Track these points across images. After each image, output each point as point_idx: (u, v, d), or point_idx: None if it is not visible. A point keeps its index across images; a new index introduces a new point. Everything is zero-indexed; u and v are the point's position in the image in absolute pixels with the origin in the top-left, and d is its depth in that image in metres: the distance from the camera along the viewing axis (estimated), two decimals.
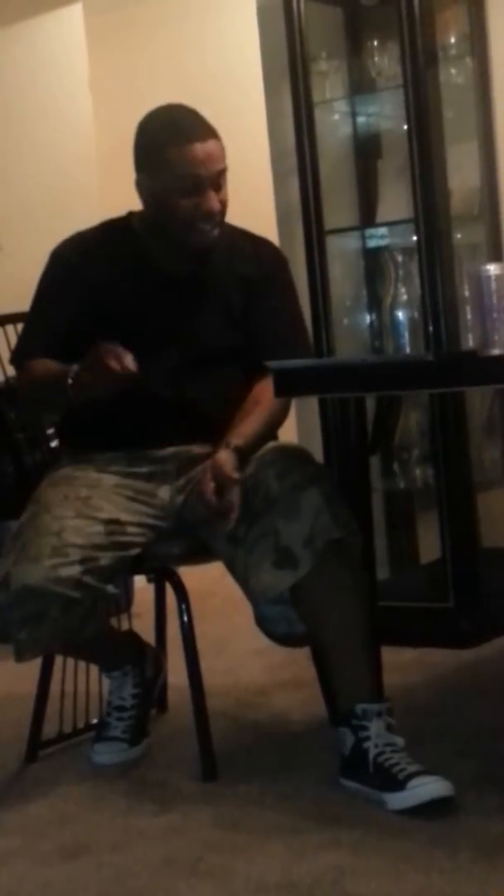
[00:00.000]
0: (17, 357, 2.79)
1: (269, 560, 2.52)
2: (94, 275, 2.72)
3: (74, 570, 2.49)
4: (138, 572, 2.86)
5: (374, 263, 3.80)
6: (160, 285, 2.75)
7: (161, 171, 2.63)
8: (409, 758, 2.44)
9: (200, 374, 2.73)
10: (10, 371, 2.99)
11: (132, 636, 2.99)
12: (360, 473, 2.75)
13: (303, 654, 3.00)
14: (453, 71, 3.61)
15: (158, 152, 2.63)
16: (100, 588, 2.53)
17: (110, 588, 2.56)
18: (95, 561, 2.53)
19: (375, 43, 3.62)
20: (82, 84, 5.25)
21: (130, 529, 2.63)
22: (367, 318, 3.83)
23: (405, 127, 3.49)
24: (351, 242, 3.83)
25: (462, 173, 3.61)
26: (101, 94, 5.36)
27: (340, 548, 2.52)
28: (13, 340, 2.97)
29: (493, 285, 2.29)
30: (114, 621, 2.90)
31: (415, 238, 3.51)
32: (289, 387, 2.54)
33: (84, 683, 3.03)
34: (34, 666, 2.84)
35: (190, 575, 2.78)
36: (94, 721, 2.98)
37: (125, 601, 3.09)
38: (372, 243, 3.83)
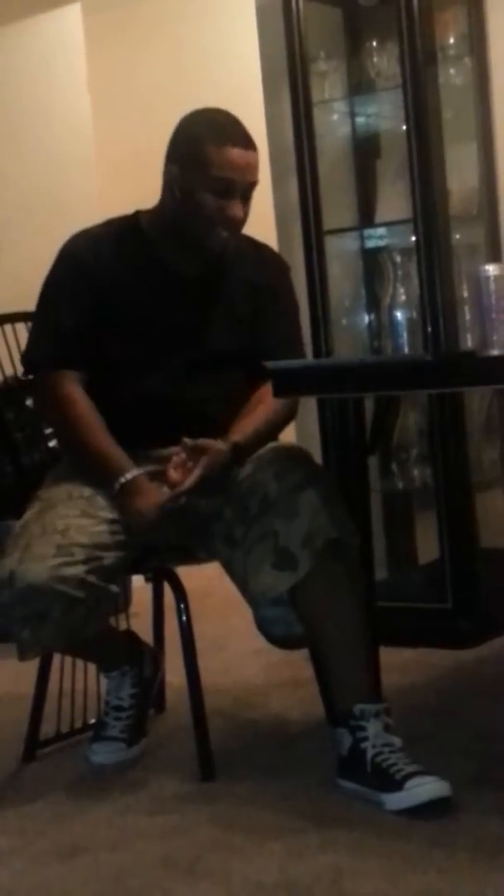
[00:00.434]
0: (34, 363, 2.76)
1: (269, 561, 2.52)
2: (105, 274, 2.71)
3: (78, 570, 2.49)
4: (136, 572, 2.86)
5: (372, 264, 3.79)
6: (168, 287, 2.74)
7: (196, 165, 2.62)
8: (407, 758, 2.44)
9: (205, 376, 2.73)
10: (10, 371, 2.99)
11: (130, 636, 2.99)
12: (358, 474, 2.75)
13: (301, 655, 3.00)
14: (452, 71, 3.61)
15: (198, 147, 2.62)
16: (103, 587, 2.53)
17: (113, 587, 2.57)
18: (100, 560, 2.53)
19: (374, 43, 3.62)
20: (81, 84, 5.26)
21: (125, 528, 2.63)
22: (366, 319, 3.83)
23: (404, 127, 3.49)
24: (350, 243, 3.83)
25: (461, 174, 3.61)
26: (99, 93, 5.36)
27: (338, 548, 2.52)
28: (11, 340, 2.97)
29: (492, 286, 2.29)
30: (112, 621, 2.90)
31: (413, 238, 3.50)
32: (287, 387, 2.54)
33: (82, 683, 3.03)
34: (32, 665, 2.84)
35: (188, 575, 2.78)
36: (92, 721, 2.98)
37: (123, 601, 3.09)
38: (371, 243, 3.83)
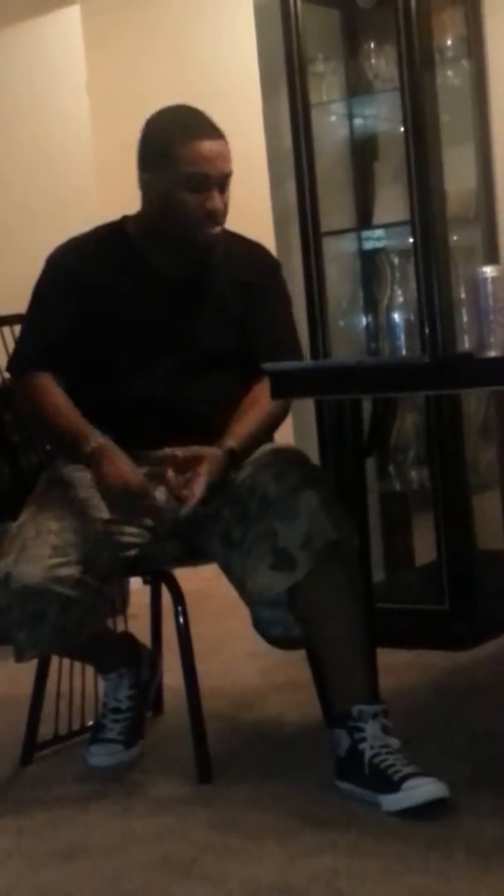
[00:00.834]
0: (17, 364, 2.78)
1: (267, 562, 2.52)
2: (93, 280, 2.72)
3: (74, 570, 2.49)
4: (134, 574, 2.86)
5: (370, 265, 3.80)
6: (157, 289, 2.75)
7: (168, 167, 2.63)
8: (405, 759, 2.44)
9: (197, 377, 2.73)
10: (6, 374, 2.99)
11: (128, 638, 2.99)
12: (356, 475, 2.75)
13: (298, 657, 3.00)
14: (450, 73, 3.62)
15: (167, 148, 2.63)
16: (99, 588, 2.53)
17: (109, 588, 2.57)
18: (95, 561, 2.53)
19: (372, 45, 3.62)
20: (80, 86, 5.25)
21: (128, 530, 2.63)
22: (364, 320, 3.83)
23: (402, 129, 3.49)
24: (347, 244, 3.83)
25: (458, 176, 3.61)
26: (98, 96, 5.36)
27: (337, 549, 2.51)
28: (10, 342, 2.97)
29: (490, 287, 2.30)
30: (110, 623, 2.90)
31: (411, 240, 3.51)
32: (285, 388, 2.54)
33: (80, 685, 3.02)
34: (30, 668, 2.84)
35: (186, 577, 2.78)
36: (90, 723, 2.98)
37: (121, 603, 3.09)
38: (368, 245, 3.84)
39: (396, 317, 3.61)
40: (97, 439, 2.60)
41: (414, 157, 3.44)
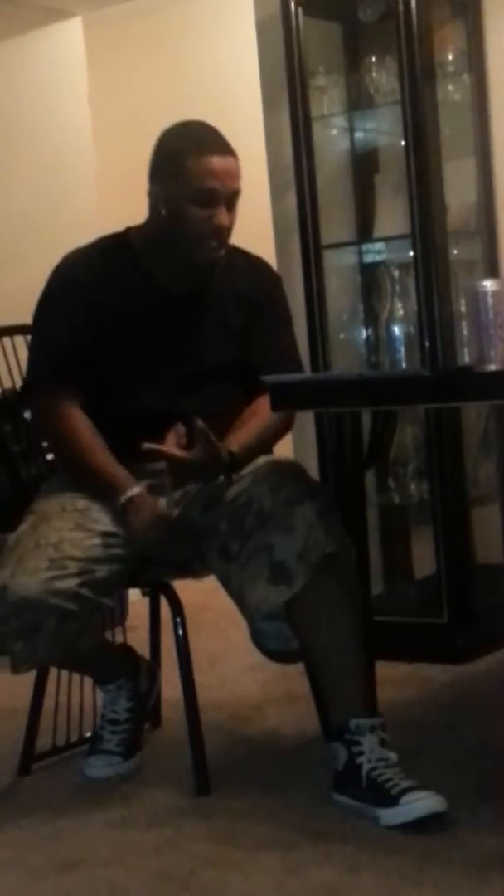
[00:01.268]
0: (31, 377, 2.77)
1: (264, 576, 2.52)
2: (97, 292, 2.73)
3: (71, 583, 2.49)
4: (133, 585, 2.86)
5: (370, 278, 3.80)
6: (159, 302, 2.75)
7: (178, 180, 2.64)
8: (403, 773, 2.44)
9: (198, 390, 2.73)
10: (7, 384, 2.99)
11: (126, 649, 2.99)
12: (355, 488, 2.75)
13: (296, 669, 3.00)
14: (451, 87, 3.62)
15: (177, 162, 2.65)
16: (96, 601, 2.53)
17: (107, 601, 2.57)
18: (92, 573, 2.53)
19: (373, 59, 3.63)
20: (81, 98, 5.27)
21: (127, 542, 2.63)
22: (364, 333, 3.83)
23: (402, 142, 3.50)
24: (348, 257, 3.84)
25: (459, 189, 3.62)
26: (100, 108, 5.37)
27: (334, 562, 2.51)
28: (9, 352, 2.97)
29: (490, 301, 2.30)
30: (108, 634, 2.90)
31: (411, 253, 3.51)
32: (285, 401, 2.54)
33: (78, 696, 3.02)
34: (28, 679, 2.83)
35: (185, 588, 2.78)
36: (88, 734, 2.98)
37: (120, 614, 3.09)
38: (368, 258, 3.84)
39: (396, 330, 3.62)
40: (132, 489, 2.62)
41: (414, 170, 3.45)
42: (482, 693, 3.22)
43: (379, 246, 3.81)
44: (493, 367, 2.28)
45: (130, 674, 2.91)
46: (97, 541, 2.59)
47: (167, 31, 5.56)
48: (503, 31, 3.66)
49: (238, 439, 2.69)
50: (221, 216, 2.65)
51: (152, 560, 2.70)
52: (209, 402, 2.73)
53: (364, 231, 3.82)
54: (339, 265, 3.81)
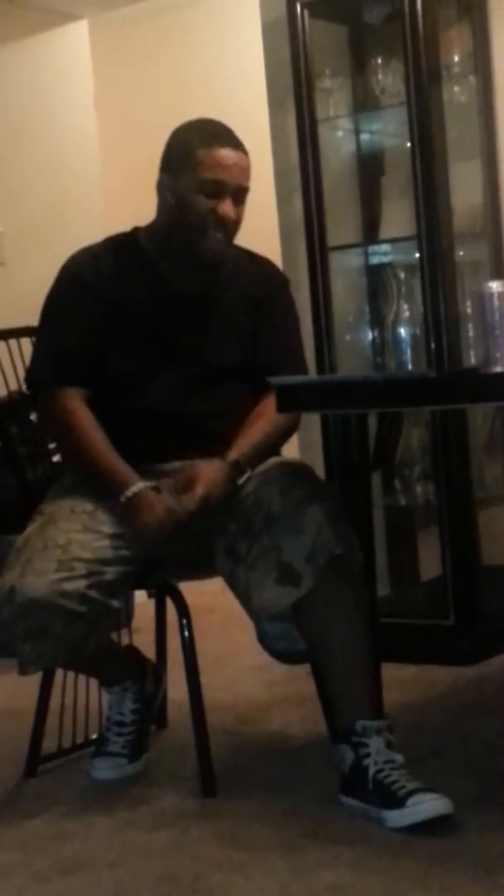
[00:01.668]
0: (36, 376, 2.77)
1: (272, 577, 2.52)
2: (105, 291, 2.73)
3: (80, 585, 2.49)
4: (139, 587, 2.86)
5: (376, 280, 3.80)
6: (167, 301, 2.75)
7: (187, 169, 2.66)
8: (409, 775, 2.43)
9: (207, 391, 2.74)
10: (14, 386, 2.99)
11: (132, 651, 2.99)
12: (361, 490, 2.75)
13: (303, 671, 3.00)
14: (457, 89, 3.62)
15: (187, 152, 2.66)
16: (104, 602, 2.53)
17: (115, 603, 2.56)
18: (101, 575, 2.53)
19: (379, 61, 3.63)
20: (87, 101, 5.27)
21: (131, 541, 2.63)
22: (370, 335, 3.83)
23: (408, 144, 3.50)
24: (354, 259, 3.84)
25: (465, 191, 3.62)
26: (105, 111, 5.37)
27: (342, 564, 2.51)
28: (16, 355, 2.97)
29: (496, 303, 2.30)
30: (114, 636, 2.90)
31: (417, 255, 3.51)
32: (291, 403, 2.54)
33: (84, 698, 3.02)
34: (34, 681, 2.84)
35: (191, 590, 2.78)
36: (94, 736, 2.98)
37: (126, 616, 3.09)
38: (374, 260, 3.84)
39: (402, 331, 3.62)
40: (135, 486, 2.61)
41: (420, 172, 3.45)
42: (489, 695, 3.21)
43: (385, 248, 3.81)
44: (499, 369, 2.28)
45: (136, 676, 2.91)
46: (105, 542, 2.59)
47: (173, 34, 5.56)
48: None
49: (242, 445, 2.69)
50: (227, 207, 2.66)
51: (158, 560, 2.70)
52: (215, 403, 2.73)
53: (370, 233, 3.82)
54: (345, 267, 3.81)
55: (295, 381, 2.59)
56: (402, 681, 3.30)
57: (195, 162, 2.64)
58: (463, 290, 3.52)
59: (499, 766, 2.66)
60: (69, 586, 2.48)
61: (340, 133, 3.81)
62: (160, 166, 2.73)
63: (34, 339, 2.83)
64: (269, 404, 2.66)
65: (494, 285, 2.31)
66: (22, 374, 2.91)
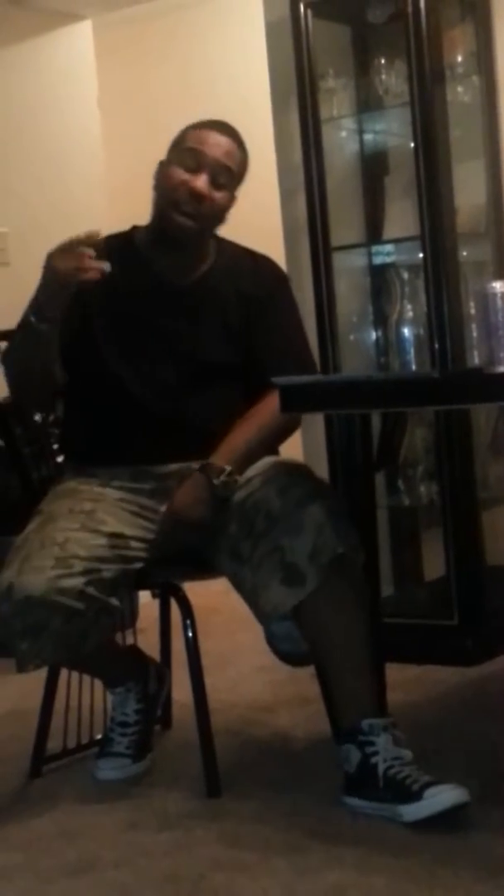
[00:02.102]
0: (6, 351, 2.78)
1: (277, 578, 2.52)
2: (97, 286, 2.72)
3: (77, 581, 2.49)
4: (143, 587, 2.86)
5: (380, 280, 3.80)
6: (159, 297, 2.76)
7: (174, 147, 2.72)
8: (419, 770, 2.43)
9: (200, 391, 2.73)
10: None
11: (135, 651, 2.99)
12: (365, 490, 2.75)
13: (307, 671, 3.00)
14: (460, 89, 3.62)
15: (181, 134, 2.73)
16: (102, 600, 2.53)
17: (113, 601, 2.56)
18: (98, 573, 2.53)
19: (383, 61, 3.63)
20: (91, 101, 5.27)
21: (133, 544, 2.64)
22: (373, 335, 3.83)
23: (412, 144, 3.49)
24: (357, 259, 3.84)
25: (468, 191, 3.62)
26: (109, 111, 5.38)
27: (343, 563, 2.51)
28: None
29: (499, 303, 2.30)
30: (118, 637, 2.90)
31: (421, 255, 3.51)
32: (294, 403, 2.54)
33: (88, 698, 3.02)
34: (38, 681, 2.84)
35: (194, 591, 2.78)
36: (98, 737, 2.98)
37: (130, 617, 3.09)
38: (378, 260, 3.84)
39: (406, 332, 3.62)
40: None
41: (424, 172, 3.45)
42: (492, 695, 3.21)
43: (388, 248, 3.81)
44: (502, 369, 2.28)
45: (139, 676, 2.91)
46: (103, 541, 2.59)
47: (177, 34, 5.56)
48: None
49: (228, 447, 2.67)
50: (201, 182, 2.66)
51: (162, 553, 2.69)
52: (211, 402, 2.73)
53: (373, 233, 3.82)
54: (349, 267, 3.81)
55: (298, 382, 2.59)
56: (405, 681, 3.30)
57: (182, 138, 2.71)
58: (466, 290, 3.51)
59: (502, 766, 2.66)
60: (66, 583, 2.48)
61: (344, 133, 3.81)
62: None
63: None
64: (261, 406, 2.66)
65: (498, 285, 2.32)
66: None
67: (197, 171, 2.66)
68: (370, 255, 3.85)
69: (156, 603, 3.18)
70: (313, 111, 3.64)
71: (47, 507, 2.70)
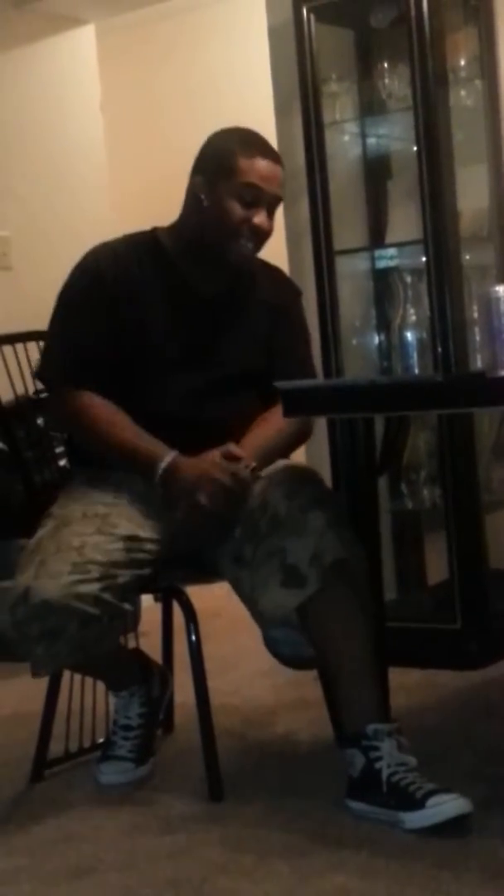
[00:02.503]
0: (52, 376, 2.76)
1: (277, 579, 2.52)
2: (124, 290, 2.72)
3: (94, 587, 2.49)
4: (146, 591, 2.86)
5: (383, 284, 3.80)
6: (187, 303, 2.75)
7: (225, 174, 2.68)
8: (423, 777, 2.43)
9: (221, 396, 2.73)
10: (21, 390, 3.00)
11: (138, 654, 2.99)
12: (368, 494, 2.75)
13: (310, 675, 3.00)
14: (463, 93, 3.62)
15: (227, 158, 2.68)
16: (117, 605, 2.53)
17: (126, 606, 2.56)
18: (114, 578, 2.53)
19: (386, 65, 3.63)
20: (94, 105, 5.28)
21: (147, 546, 2.63)
22: (376, 339, 3.83)
23: (415, 148, 3.50)
24: (360, 263, 3.84)
25: (471, 195, 3.62)
26: (112, 115, 5.38)
27: (345, 569, 2.51)
28: (23, 359, 2.98)
29: (502, 307, 2.30)
30: (121, 640, 2.90)
31: (424, 259, 3.51)
32: (297, 407, 2.54)
33: (91, 702, 3.02)
34: (40, 685, 2.84)
35: (197, 595, 2.78)
36: (101, 740, 2.98)
37: (133, 620, 3.09)
38: (381, 264, 3.84)
39: (409, 335, 3.61)
40: (168, 456, 2.62)
41: (427, 176, 3.45)
42: (495, 699, 3.21)
43: (391, 252, 3.81)
44: None
45: (143, 679, 2.91)
46: (119, 545, 2.58)
47: (179, 38, 5.58)
48: None
49: (245, 447, 2.68)
50: (262, 218, 2.68)
51: (177, 550, 2.68)
52: (232, 408, 2.73)
53: (376, 237, 3.82)
54: (352, 271, 3.81)
55: (301, 386, 2.59)
56: (409, 685, 3.30)
57: (234, 167, 2.66)
58: (469, 294, 3.51)
59: None
60: (84, 589, 2.48)
61: (347, 137, 3.81)
62: (193, 167, 2.74)
63: (47, 332, 2.81)
64: (277, 411, 2.66)
65: (501, 289, 2.32)
66: (30, 378, 2.91)
67: (255, 206, 2.67)
68: (373, 258, 3.85)
69: (159, 606, 3.17)
70: (316, 115, 3.64)
71: (59, 511, 2.69)
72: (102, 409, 2.69)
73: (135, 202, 5.16)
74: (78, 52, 5.24)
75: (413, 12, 3.41)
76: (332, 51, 3.72)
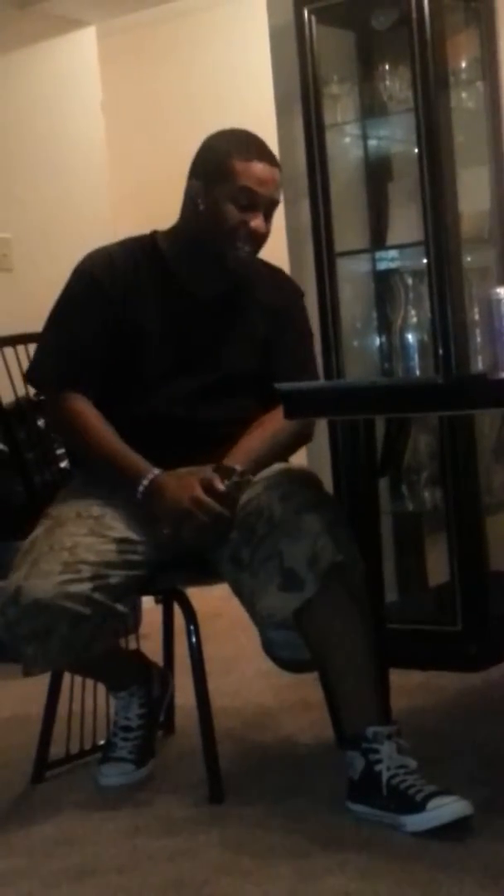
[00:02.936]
0: (45, 379, 2.76)
1: (275, 583, 2.51)
2: (121, 293, 2.72)
3: (85, 587, 2.49)
4: (147, 593, 2.86)
5: (384, 286, 3.80)
6: (185, 306, 2.75)
7: (221, 177, 2.67)
8: (423, 779, 2.43)
9: (217, 399, 2.73)
10: (21, 392, 2.99)
11: (139, 656, 2.99)
12: (368, 496, 2.75)
13: (310, 676, 2.99)
14: (464, 95, 3.63)
15: (223, 160, 2.67)
16: (109, 605, 2.53)
17: (120, 606, 2.56)
18: (106, 578, 2.53)
19: (387, 67, 3.63)
20: (95, 107, 5.29)
21: (141, 549, 2.63)
22: (377, 341, 3.83)
23: (416, 150, 3.50)
24: (361, 265, 3.84)
25: (472, 197, 3.62)
26: (113, 116, 5.39)
27: (342, 572, 2.50)
28: (24, 360, 2.97)
29: (503, 309, 2.30)
30: (122, 642, 2.90)
31: (425, 261, 3.51)
32: (298, 409, 2.54)
33: (91, 704, 3.02)
34: (42, 686, 2.84)
35: (198, 596, 2.78)
36: (101, 742, 2.98)
37: (134, 622, 3.09)
38: (382, 266, 3.84)
39: (410, 337, 3.62)
40: (148, 476, 2.61)
41: (428, 178, 3.45)
42: (497, 701, 3.21)
43: (392, 253, 3.81)
44: None
45: (142, 680, 2.91)
46: (111, 546, 2.59)
47: (180, 40, 5.58)
48: None
49: (237, 454, 2.68)
50: (259, 221, 2.67)
51: (171, 559, 2.68)
52: (229, 410, 2.73)
53: (377, 238, 3.82)
54: (353, 273, 3.81)
55: (302, 388, 2.59)
56: (409, 687, 3.30)
57: (230, 171, 2.66)
58: (470, 295, 3.51)
59: None
60: (74, 588, 2.48)
61: (348, 139, 3.81)
62: (190, 171, 2.73)
63: (40, 335, 2.81)
64: (275, 413, 2.66)
65: (502, 291, 2.32)
66: None
67: (252, 210, 2.67)
68: (374, 260, 3.85)
69: (159, 608, 3.17)
70: (317, 117, 3.64)
71: (55, 512, 2.70)
72: (92, 420, 2.69)
73: (135, 203, 5.17)
74: (79, 53, 5.25)
75: (414, 14, 3.41)
76: (334, 52, 3.72)
